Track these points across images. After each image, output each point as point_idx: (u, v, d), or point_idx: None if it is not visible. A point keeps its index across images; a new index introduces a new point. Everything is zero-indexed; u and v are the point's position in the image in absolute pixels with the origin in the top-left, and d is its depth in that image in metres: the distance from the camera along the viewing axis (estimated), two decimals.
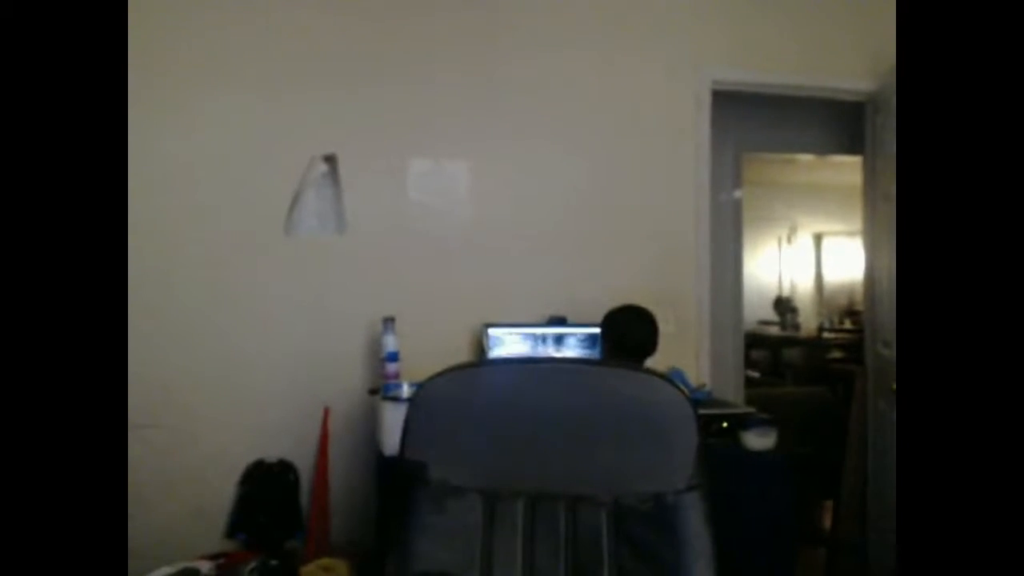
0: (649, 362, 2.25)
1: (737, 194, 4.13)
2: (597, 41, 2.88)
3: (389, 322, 2.43)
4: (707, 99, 2.95)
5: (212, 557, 2.18)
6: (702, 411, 1.06)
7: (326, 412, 2.54)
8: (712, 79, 2.94)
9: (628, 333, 2.27)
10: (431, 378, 1.08)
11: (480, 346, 2.59)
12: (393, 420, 2.10)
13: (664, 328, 2.50)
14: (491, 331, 2.55)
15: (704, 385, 2.78)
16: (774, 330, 6.36)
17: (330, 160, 2.60)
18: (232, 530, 2.45)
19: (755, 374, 5.11)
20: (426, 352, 2.35)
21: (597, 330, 2.37)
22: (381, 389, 2.35)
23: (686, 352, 2.87)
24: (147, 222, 2.45)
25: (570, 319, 2.67)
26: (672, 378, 1.09)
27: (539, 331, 2.61)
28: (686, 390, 1.06)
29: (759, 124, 3.85)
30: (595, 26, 2.88)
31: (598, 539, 1.00)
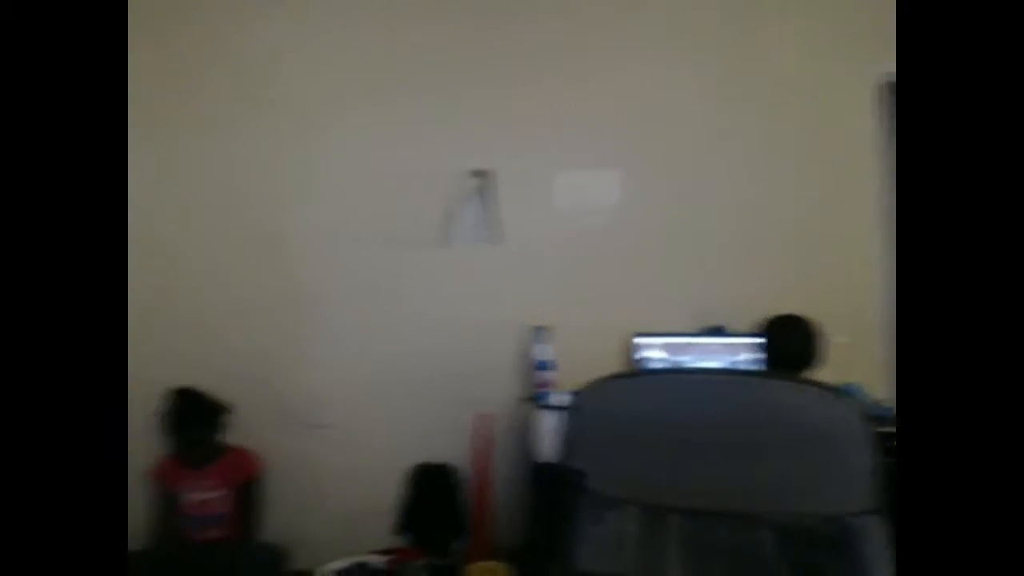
0: (820, 375, 2.10)
1: None
2: (762, 33, 2.74)
3: (542, 331, 2.46)
4: (883, 93, 2.70)
5: (383, 552, 2.31)
6: (883, 429, 0.97)
7: (483, 418, 2.61)
8: (890, 71, 2.70)
9: (782, 344, 2.13)
10: (587, 387, 1.08)
11: (632, 355, 2.56)
12: (547, 427, 2.12)
13: (836, 339, 2.32)
14: (642, 340, 2.50)
15: (885, 400, 2.54)
16: None
17: (484, 173, 2.69)
18: (400, 528, 2.59)
19: None
20: (579, 360, 2.35)
21: (758, 340, 2.25)
22: (535, 397, 2.38)
23: (865, 364, 2.64)
24: (310, 233, 2.68)
25: (731, 329, 2.55)
26: (845, 392, 1.01)
27: (694, 340, 2.52)
28: (861, 405, 0.98)
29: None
30: (760, 17, 2.74)
31: (765, 561, 0.95)
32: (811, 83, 2.74)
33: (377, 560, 2.17)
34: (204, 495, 2.45)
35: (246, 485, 2.51)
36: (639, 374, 1.77)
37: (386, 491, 2.63)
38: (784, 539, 0.95)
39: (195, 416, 2.47)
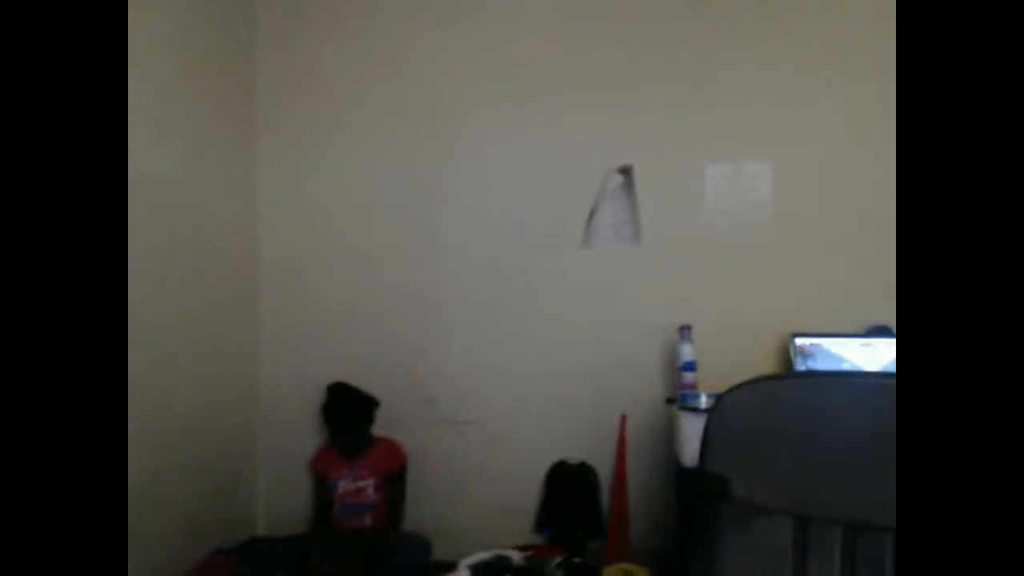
0: None
1: None
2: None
3: (686, 330, 2.39)
4: None
5: (522, 548, 2.34)
6: None
7: (623, 419, 2.58)
8: None
9: None
10: (732, 389, 1.03)
11: (787, 357, 2.41)
12: (691, 430, 2.05)
13: None
14: (799, 341, 2.35)
15: None
16: None
17: (626, 171, 2.65)
18: (539, 525, 2.61)
19: None
20: (725, 362, 2.26)
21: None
22: (678, 398, 2.31)
23: None
24: (458, 235, 2.76)
25: (896, 329, 2.34)
26: None
27: (857, 341, 2.33)
28: None
29: None
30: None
31: None
32: None
33: (516, 555, 2.21)
34: (356, 484, 2.61)
35: (394, 475, 2.64)
36: (785, 376, 1.67)
37: (527, 488, 2.67)
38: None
39: (348, 409, 2.63)
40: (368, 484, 2.61)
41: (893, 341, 2.28)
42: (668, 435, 2.44)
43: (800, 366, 2.32)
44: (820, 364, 2.32)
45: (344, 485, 2.61)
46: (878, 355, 2.29)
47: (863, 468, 0.93)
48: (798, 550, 0.95)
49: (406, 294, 2.81)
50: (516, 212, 2.74)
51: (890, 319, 2.38)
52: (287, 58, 2.91)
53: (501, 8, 2.78)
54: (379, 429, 2.69)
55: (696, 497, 1.05)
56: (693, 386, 2.32)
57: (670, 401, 2.46)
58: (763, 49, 2.59)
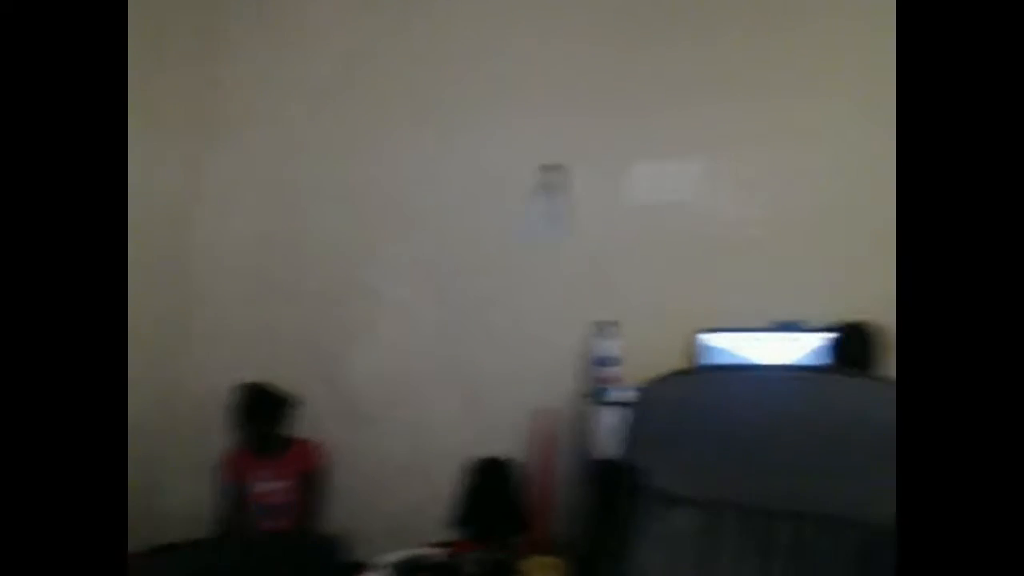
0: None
1: None
2: (827, 29, 2.62)
3: (608, 326, 2.43)
4: None
5: (440, 545, 2.32)
6: None
7: (545, 413, 2.60)
8: None
9: (842, 351, 2.04)
10: (652, 382, 1.05)
11: (699, 351, 2.49)
12: (607, 424, 2.09)
13: None
14: (711, 336, 2.44)
15: None
16: None
17: (556, 168, 2.67)
18: (459, 521, 2.61)
19: None
20: (645, 357, 2.30)
21: (832, 335, 2.16)
22: (596, 393, 2.35)
23: None
24: (380, 227, 2.72)
25: (805, 324, 2.45)
26: None
27: (765, 336, 2.43)
28: None
29: None
30: (826, 13, 2.62)
31: (833, 563, 0.90)
32: (884, 81, 2.58)
33: (434, 553, 2.19)
34: (270, 485, 2.53)
35: (309, 476, 2.58)
36: (702, 370, 1.72)
37: (447, 485, 2.65)
38: (847, 541, 0.90)
39: (262, 409, 2.55)
40: (284, 485, 2.54)
41: (798, 336, 2.40)
42: (586, 429, 2.48)
43: (713, 360, 2.40)
44: (725, 359, 2.41)
45: (259, 487, 2.53)
46: (785, 349, 2.40)
47: (775, 458, 0.96)
48: (709, 539, 0.97)
49: (323, 289, 2.74)
50: (440, 207, 2.72)
51: (794, 315, 2.49)
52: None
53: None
54: (296, 429, 2.62)
55: (614, 488, 1.07)
56: (613, 380, 2.37)
57: (588, 395, 2.50)
58: (691, 52, 2.66)
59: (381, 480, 2.70)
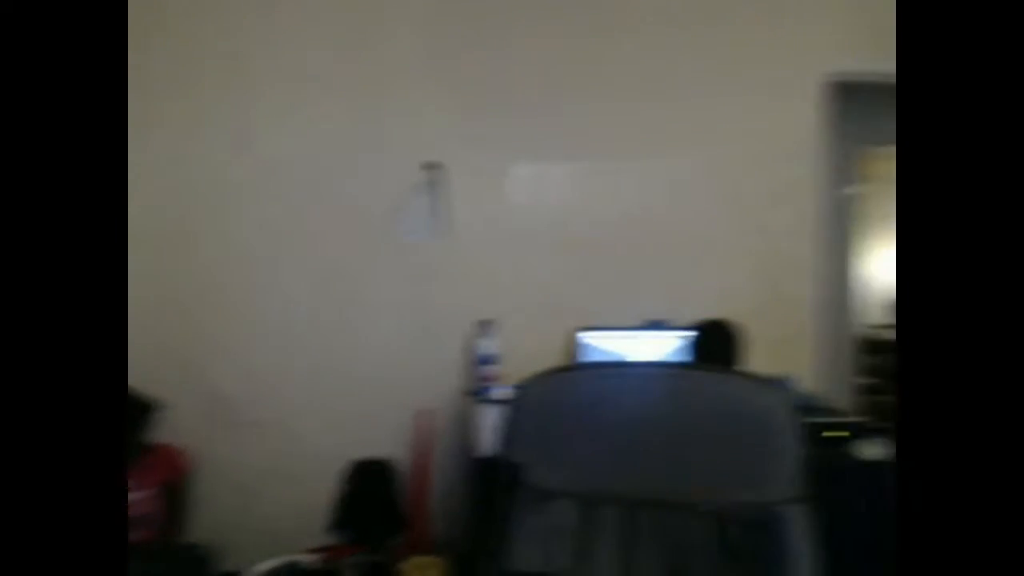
0: (756, 368, 2.15)
1: (854, 190, 3.90)
2: (702, 35, 2.78)
3: (487, 325, 2.45)
4: (823, 91, 2.79)
5: (316, 551, 2.26)
6: (812, 419, 1.00)
7: (425, 413, 2.59)
8: (829, 70, 2.78)
9: (702, 347, 2.18)
10: (529, 381, 1.08)
11: (577, 350, 2.57)
12: (488, 422, 2.11)
13: (772, 333, 2.38)
14: (587, 335, 2.52)
15: (815, 392, 2.63)
16: (892, 335, 5.96)
17: (435, 166, 2.66)
18: (336, 525, 2.54)
19: (871, 381, 4.79)
20: (524, 355, 2.36)
21: (694, 333, 2.29)
22: (477, 391, 2.37)
23: (797, 358, 2.73)
24: (254, 223, 2.60)
25: (672, 323, 2.59)
26: (777, 383, 1.03)
27: (637, 335, 2.55)
28: (791, 396, 1.00)
29: (883, 116, 3.59)
30: (700, 20, 2.79)
31: (697, 548, 0.96)
32: (757, 86, 2.80)
33: (309, 559, 2.13)
34: (132, 496, 2.36)
35: (173, 484, 2.43)
36: (578, 368, 1.78)
37: (324, 489, 2.57)
38: (714, 528, 0.96)
39: None
40: (144, 496, 2.37)
41: (665, 334, 2.53)
42: (467, 428, 2.49)
43: (589, 358, 2.49)
44: (601, 357, 2.51)
45: None
46: (655, 347, 2.52)
47: (641, 449, 1.01)
48: (583, 530, 1.00)
49: (188, 288, 2.59)
50: (315, 203, 2.64)
51: (667, 314, 2.63)
52: None
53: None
54: (159, 435, 2.46)
55: (492, 485, 1.09)
56: (493, 379, 2.39)
57: (470, 394, 2.51)
58: (572, 57, 2.73)
59: (252, 486, 2.59)
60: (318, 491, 2.51)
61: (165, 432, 2.46)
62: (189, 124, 2.60)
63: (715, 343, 2.20)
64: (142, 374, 2.44)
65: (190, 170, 2.61)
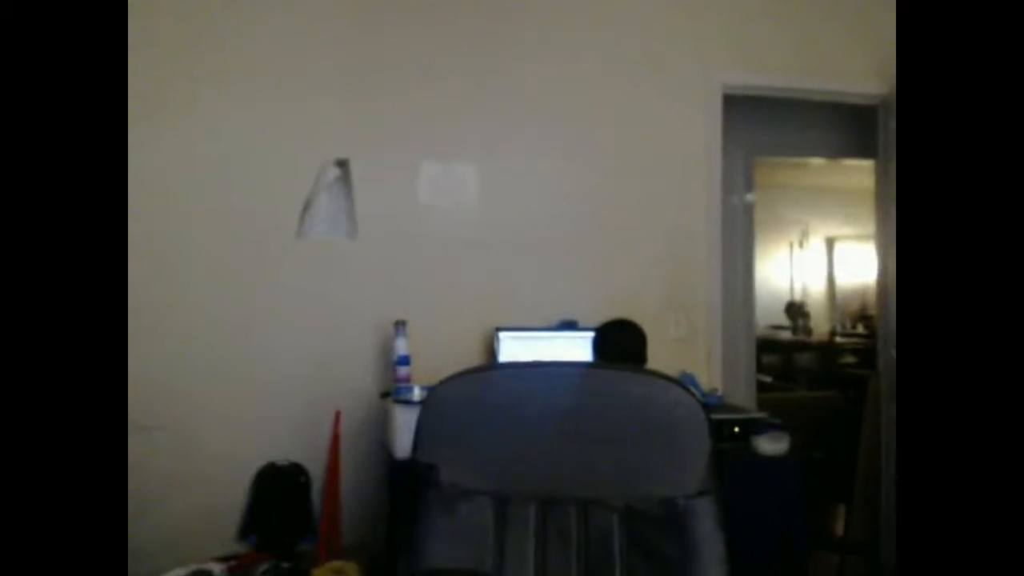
0: (658, 367, 2.24)
1: (749, 198, 4.12)
2: (605, 46, 2.88)
3: (400, 325, 2.44)
4: (718, 103, 2.94)
5: (223, 559, 2.19)
6: (714, 416, 1.06)
7: (337, 415, 2.55)
8: (723, 83, 2.94)
9: (612, 345, 2.26)
10: (442, 382, 1.08)
11: (491, 350, 2.60)
12: (404, 423, 2.10)
13: (674, 332, 2.48)
14: (501, 334, 2.55)
15: (716, 390, 2.77)
16: (786, 335, 6.32)
17: (342, 164, 2.62)
18: (243, 532, 2.46)
19: (767, 379, 5.08)
20: (437, 355, 2.36)
21: (598, 334, 2.36)
22: (392, 392, 2.36)
23: (697, 357, 2.86)
24: (156, 222, 2.48)
25: (581, 323, 2.66)
26: (682, 382, 1.08)
27: (549, 335, 2.60)
28: (697, 393, 1.06)
29: (771, 127, 3.83)
30: (603, 31, 2.88)
31: (610, 543, 1.00)
32: (652, 93, 2.92)
33: (218, 567, 2.06)
34: None
35: None
36: (492, 368, 1.80)
37: (231, 495, 2.49)
38: (625, 522, 1.00)
39: None
40: None
41: (579, 334, 2.59)
42: (383, 429, 2.47)
43: (503, 358, 2.52)
44: (515, 357, 2.55)
45: None
46: (567, 347, 2.59)
47: (552, 447, 1.03)
48: (499, 528, 1.01)
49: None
50: (222, 198, 2.54)
51: (576, 314, 2.70)
52: None
53: None
54: None
55: (406, 486, 1.09)
56: (407, 379, 2.38)
57: (384, 395, 2.49)
58: (483, 56, 2.76)
59: (155, 493, 2.45)
60: (227, 497, 2.43)
61: None
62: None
63: (621, 342, 2.27)
64: None
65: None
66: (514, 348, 2.54)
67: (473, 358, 2.65)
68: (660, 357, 2.31)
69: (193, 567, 2.01)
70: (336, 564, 2.13)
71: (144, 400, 2.46)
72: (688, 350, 2.79)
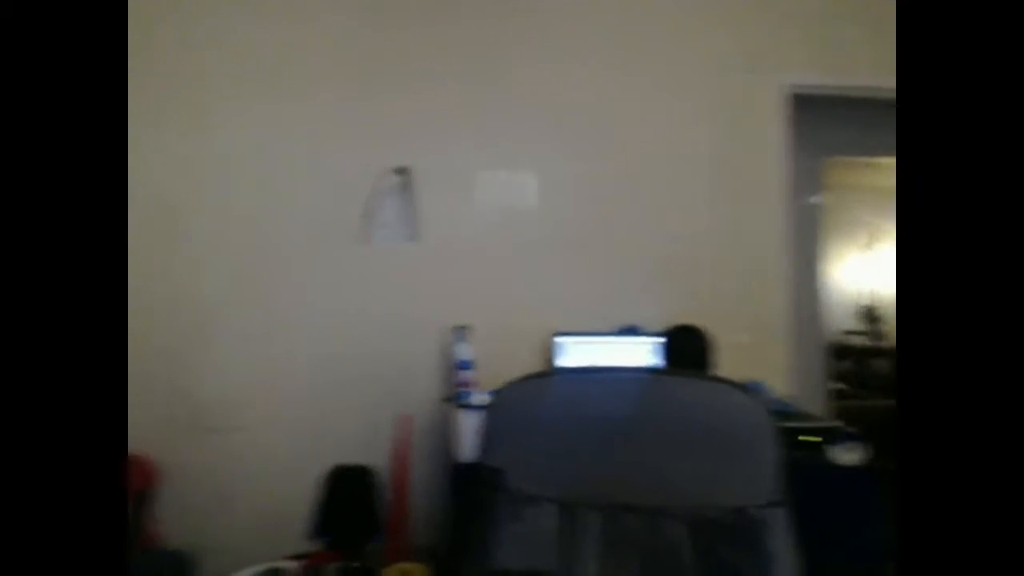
0: (726, 374, 2.18)
1: (818, 199, 3.98)
2: (672, 49, 2.85)
3: (462, 330, 2.46)
4: (786, 103, 2.87)
5: (296, 557, 2.25)
6: (785, 424, 1.02)
7: (403, 418, 2.59)
8: (791, 83, 2.87)
9: (676, 351, 2.22)
10: (506, 386, 1.09)
11: (551, 354, 2.59)
12: (467, 427, 2.12)
13: (739, 339, 2.42)
14: (561, 340, 2.54)
15: (786, 397, 2.68)
16: (859, 340, 6.08)
17: (403, 171, 2.67)
18: (315, 532, 2.53)
19: (841, 386, 4.89)
20: (499, 360, 2.37)
21: (666, 339, 2.33)
22: (455, 397, 2.38)
23: (767, 363, 2.78)
24: (224, 227, 2.58)
25: (644, 328, 2.63)
26: (752, 388, 1.06)
27: (611, 340, 2.58)
28: (764, 400, 1.03)
29: (841, 127, 3.70)
30: (668, 34, 2.85)
31: (678, 553, 0.98)
32: (719, 95, 2.87)
33: (290, 565, 2.11)
34: None
35: (141, 494, 2.39)
36: (556, 373, 1.79)
37: (302, 495, 2.56)
38: (694, 531, 0.98)
39: None
40: None
41: (641, 339, 2.56)
42: (446, 433, 2.49)
43: (563, 363, 2.51)
44: (577, 362, 2.53)
45: None
46: (629, 352, 2.56)
47: (618, 454, 1.01)
48: (564, 535, 1.00)
49: (160, 293, 2.56)
50: (287, 207, 2.63)
51: (638, 319, 2.67)
52: None
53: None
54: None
55: (472, 490, 1.09)
56: (470, 384, 2.40)
57: (447, 399, 2.52)
58: (541, 63, 2.77)
59: (229, 493, 2.56)
60: (298, 498, 2.49)
61: (133, 441, 2.42)
62: (149, 120, 2.57)
63: (686, 348, 2.23)
64: None
65: (158, 172, 2.58)
66: (574, 353, 2.53)
67: (536, 363, 2.65)
68: (728, 364, 2.25)
69: (266, 565, 2.07)
70: (404, 566, 2.16)
71: (219, 403, 2.57)
72: (757, 356, 2.71)
